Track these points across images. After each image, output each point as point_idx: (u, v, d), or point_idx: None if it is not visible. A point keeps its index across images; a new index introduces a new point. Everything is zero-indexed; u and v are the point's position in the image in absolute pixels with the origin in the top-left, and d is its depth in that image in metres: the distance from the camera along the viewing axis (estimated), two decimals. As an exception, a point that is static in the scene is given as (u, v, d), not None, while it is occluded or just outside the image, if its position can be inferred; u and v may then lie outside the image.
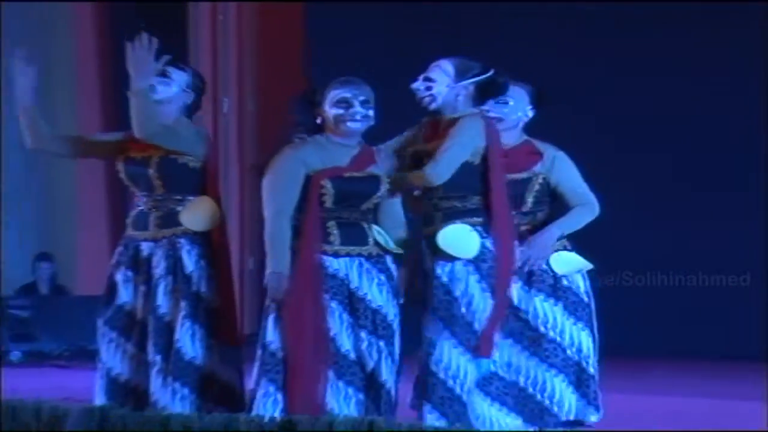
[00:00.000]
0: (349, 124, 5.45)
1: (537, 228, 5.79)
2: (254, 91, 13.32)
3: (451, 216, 5.47)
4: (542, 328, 5.66)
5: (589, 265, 5.81)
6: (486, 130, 5.48)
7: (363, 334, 5.36)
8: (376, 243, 5.47)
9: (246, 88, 13.22)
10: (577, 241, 6.01)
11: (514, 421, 5.52)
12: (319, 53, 12.25)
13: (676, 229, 10.87)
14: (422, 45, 11.94)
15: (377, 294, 5.39)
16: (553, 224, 5.79)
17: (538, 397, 5.62)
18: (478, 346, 5.37)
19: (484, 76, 5.62)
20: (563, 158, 5.87)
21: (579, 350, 5.68)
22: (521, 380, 5.62)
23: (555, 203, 5.88)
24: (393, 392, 5.38)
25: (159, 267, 5.58)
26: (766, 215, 10.67)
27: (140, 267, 5.65)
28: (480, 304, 5.37)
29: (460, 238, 5.43)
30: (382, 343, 5.36)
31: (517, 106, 5.83)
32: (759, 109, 10.77)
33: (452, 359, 5.32)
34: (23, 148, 6.12)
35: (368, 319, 5.36)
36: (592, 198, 5.86)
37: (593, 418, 5.68)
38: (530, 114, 5.89)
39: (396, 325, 5.39)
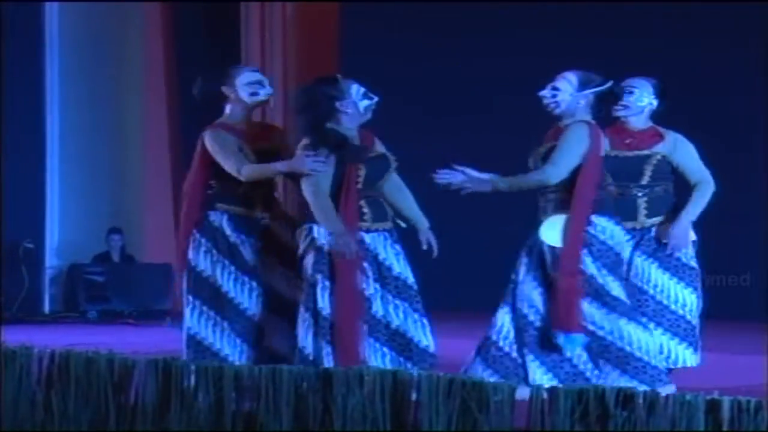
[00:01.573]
0: (369, 114, 5.55)
1: (654, 200, 5.93)
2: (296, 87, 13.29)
3: (560, 207, 5.56)
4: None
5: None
6: (590, 136, 5.55)
7: (389, 297, 5.43)
8: (392, 218, 5.56)
9: (290, 85, 13.21)
10: None
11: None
12: (352, 52, 12.15)
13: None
14: (452, 45, 11.89)
15: (397, 263, 5.48)
16: (682, 213, 5.91)
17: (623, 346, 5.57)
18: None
19: (603, 87, 5.70)
20: (683, 141, 6.00)
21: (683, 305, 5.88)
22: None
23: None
24: (422, 345, 5.44)
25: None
26: (766, 215, 10.08)
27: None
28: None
29: (555, 227, 5.51)
30: (406, 305, 5.44)
31: (641, 96, 5.97)
32: (759, 108, 10.27)
33: None
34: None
35: (392, 285, 5.45)
36: (707, 175, 5.99)
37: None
38: (655, 103, 6.02)
39: (415, 288, 5.47)
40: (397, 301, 5.45)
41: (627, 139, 6.02)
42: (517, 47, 11.50)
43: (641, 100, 6.02)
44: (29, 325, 9.86)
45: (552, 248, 5.50)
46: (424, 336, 5.45)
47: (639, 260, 5.92)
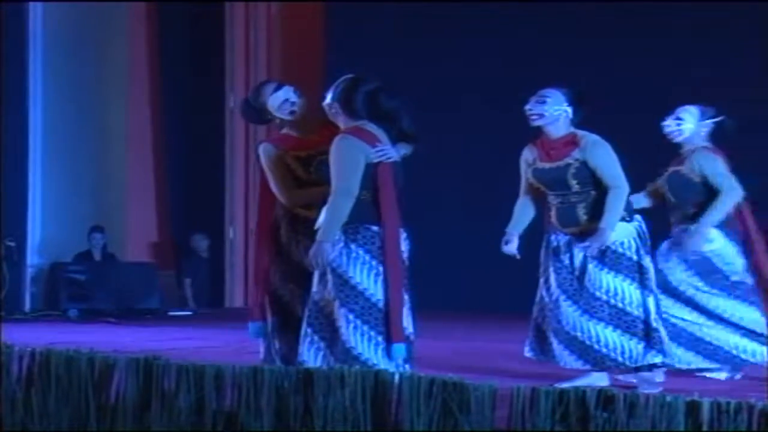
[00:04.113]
0: None
1: (591, 204, 6.07)
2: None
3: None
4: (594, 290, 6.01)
5: (633, 232, 6.07)
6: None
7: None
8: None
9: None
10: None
11: None
12: (337, 52, 12.15)
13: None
14: (437, 44, 11.89)
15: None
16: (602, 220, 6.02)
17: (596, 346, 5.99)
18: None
19: (718, 119, 6.71)
20: (597, 144, 6.08)
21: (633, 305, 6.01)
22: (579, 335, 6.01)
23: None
24: (347, 345, 5.33)
25: None
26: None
27: None
28: None
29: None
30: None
31: (553, 104, 6.10)
32: (759, 108, 10.13)
33: None
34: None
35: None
36: (620, 180, 6.07)
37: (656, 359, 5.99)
38: (569, 111, 6.13)
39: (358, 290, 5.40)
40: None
41: (550, 150, 6.10)
42: (503, 47, 11.52)
43: (555, 108, 6.06)
44: (10, 324, 9.81)
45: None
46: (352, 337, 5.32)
47: (590, 266, 5.99)
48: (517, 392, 3.83)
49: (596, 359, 5.99)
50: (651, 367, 6.01)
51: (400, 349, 5.20)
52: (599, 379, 6.12)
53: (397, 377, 4.05)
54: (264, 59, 13.08)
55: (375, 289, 5.23)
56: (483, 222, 10.80)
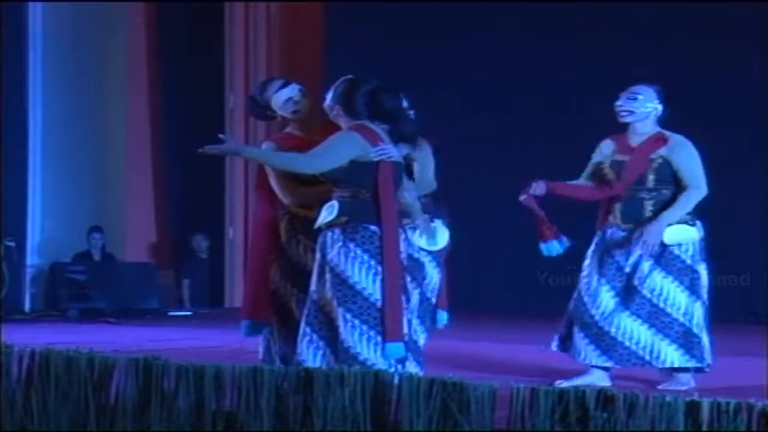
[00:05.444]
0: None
1: (660, 203, 6.11)
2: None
3: None
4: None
5: (695, 236, 6.10)
6: None
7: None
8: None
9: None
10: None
11: None
12: (336, 51, 12.14)
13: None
14: (435, 44, 11.88)
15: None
16: (663, 213, 6.07)
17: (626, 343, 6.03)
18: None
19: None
20: (683, 144, 6.15)
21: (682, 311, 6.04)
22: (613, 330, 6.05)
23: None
24: (345, 345, 5.32)
25: None
26: (766, 215, 10.08)
27: None
28: None
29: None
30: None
31: (644, 101, 6.14)
32: (759, 108, 10.24)
33: None
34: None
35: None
36: (700, 182, 6.14)
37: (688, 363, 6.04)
38: (660, 108, 6.20)
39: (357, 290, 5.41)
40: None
41: (634, 145, 6.18)
42: (503, 47, 11.51)
43: (645, 105, 6.12)
44: (10, 324, 9.81)
45: None
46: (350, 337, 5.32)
47: (645, 264, 6.08)
48: (516, 392, 3.83)
49: (621, 355, 6.05)
50: (682, 370, 6.08)
51: (395, 348, 5.19)
52: (600, 379, 6.12)
53: (396, 377, 4.04)
54: (263, 59, 13.07)
55: (373, 289, 5.22)
56: (483, 222, 10.84)
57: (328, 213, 5.30)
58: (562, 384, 5.82)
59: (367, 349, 5.19)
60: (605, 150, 6.28)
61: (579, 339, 6.12)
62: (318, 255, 5.35)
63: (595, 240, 6.26)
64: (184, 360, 4.43)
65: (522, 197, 6.16)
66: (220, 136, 5.44)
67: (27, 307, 11.87)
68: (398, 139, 5.47)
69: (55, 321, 10.99)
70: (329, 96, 5.45)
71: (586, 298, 6.15)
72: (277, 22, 13.15)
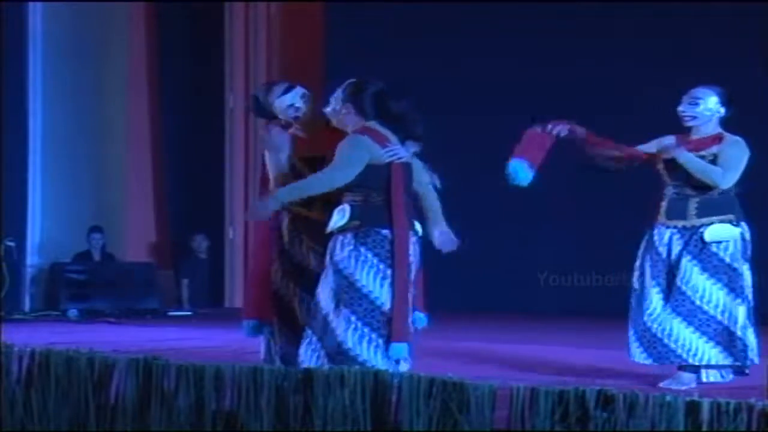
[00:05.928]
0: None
1: (705, 201, 6.12)
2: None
3: None
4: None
5: (736, 235, 6.08)
6: None
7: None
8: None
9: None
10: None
11: None
12: (336, 51, 12.14)
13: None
14: (436, 44, 11.87)
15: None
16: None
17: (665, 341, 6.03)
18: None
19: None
20: (733, 143, 6.17)
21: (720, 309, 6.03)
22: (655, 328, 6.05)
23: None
24: (344, 347, 5.32)
25: None
26: (766, 215, 10.06)
27: None
28: None
29: None
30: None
31: (706, 105, 6.17)
32: (758, 108, 9.94)
33: None
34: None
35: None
36: (723, 172, 6.10)
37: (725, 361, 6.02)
38: (722, 111, 6.20)
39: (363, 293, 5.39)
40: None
41: (695, 143, 6.18)
42: (504, 47, 11.51)
43: (708, 109, 6.15)
44: (9, 324, 9.81)
45: None
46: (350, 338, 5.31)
47: (684, 260, 6.07)
48: (516, 392, 3.83)
49: (660, 353, 6.07)
50: (720, 367, 6.10)
51: (400, 348, 5.20)
52: (688, 380, 6.12)
53: (396, 377, 4.05)
54: (264, 59, 13.07)
55: (380, 292, 5.23)
56: (483, 222, 10.83)
57: (339, 217, 5.31)
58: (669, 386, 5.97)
59: (367, 351, 5.19)
60: (665, 141, 6.27)
61: (629, 336, 6.18)
62: (327, 259, 5.35)
63: (645, 238, 6.29)
64: (184, 360, 4.43)
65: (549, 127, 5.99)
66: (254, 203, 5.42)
67: (27, 307, 11.88)
68: (405, 138, 5.47)
69: (55, 321, 10.99)
70: (335, 99, 5.44)
71: (637, 297, 6.20)
72: (277, 22, 13.14)
